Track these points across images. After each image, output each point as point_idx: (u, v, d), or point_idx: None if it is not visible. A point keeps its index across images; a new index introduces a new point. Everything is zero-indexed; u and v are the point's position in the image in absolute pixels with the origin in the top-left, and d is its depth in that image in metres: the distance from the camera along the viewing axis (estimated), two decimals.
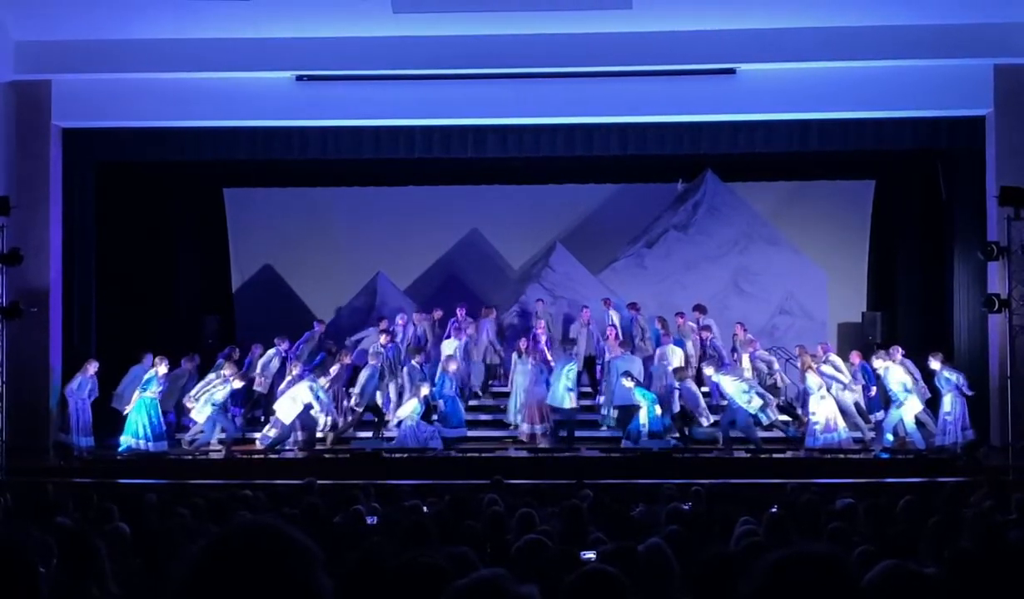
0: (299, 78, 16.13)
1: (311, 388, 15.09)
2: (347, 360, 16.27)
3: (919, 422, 15.13)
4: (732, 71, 15.88)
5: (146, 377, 15.23)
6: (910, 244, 18.63)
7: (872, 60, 15.57)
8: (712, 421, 15.55)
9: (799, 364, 15.30)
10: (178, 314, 18.77)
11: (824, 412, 14.72)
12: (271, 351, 16.60)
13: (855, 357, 15.68)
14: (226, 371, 15.49)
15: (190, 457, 15.28)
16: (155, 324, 17.92)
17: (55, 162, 16.38)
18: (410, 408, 15.13)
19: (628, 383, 15.02)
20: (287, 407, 15.13)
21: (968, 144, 16.21)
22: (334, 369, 15.97)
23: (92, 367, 15.46)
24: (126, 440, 15.06)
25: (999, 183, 14.88)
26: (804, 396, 15.32)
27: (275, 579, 1.82)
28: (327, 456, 15.33)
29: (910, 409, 14.90)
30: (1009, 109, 15.64)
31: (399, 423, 15.28)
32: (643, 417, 14.91)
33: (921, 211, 18.15)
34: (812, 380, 14.84)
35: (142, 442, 14.98)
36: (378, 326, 17.27)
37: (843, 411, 15.10)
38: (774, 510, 7.79)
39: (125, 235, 17.97)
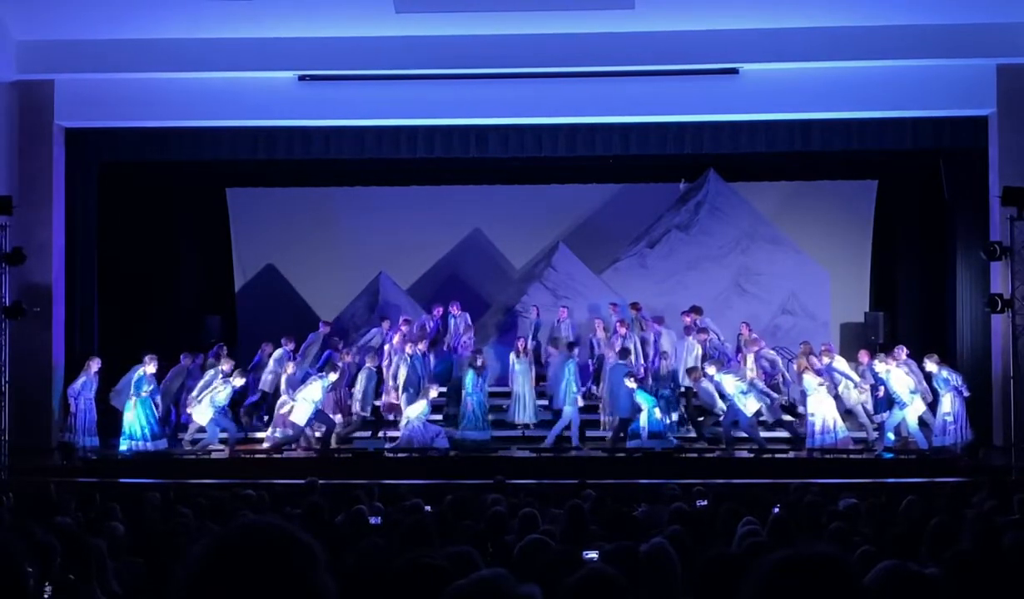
0: (301, 78, 16.14)
1: (323, 387, 15.09)
2: (349, 358, 16.27)
3: (922, 423, 15.12)
4: (735, 71, 15.87)
5: (135, 378, 15.20)
6: (913, 244, 18.61)
7: (875, 60, 15.56)
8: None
9: (796, 365, 15.29)
10: (180, 314, 18.76)
11: (822, 412, 14.73)
12: (279, 351, 16.41)
13: (863, 356, 15.64)
14: (224, 367, 15.49)
15: (193, 457, 15.29)
16: (157, 324, 17.93)
17: (58, 162, 16.39)
18: (419, 408, 15.11)
19: (631, 384, 15.02)
20: (302, 409, 15.04)
21: (971, 144, 16.20)
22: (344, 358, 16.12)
23: (95, 365, 15.46)
24: (126, 442, 15.09)
25: (1002, 183, 14.89)
26: (803, 396, 15.31)
27: (278, 578, 1.83)
28: (331, 456, 15.34)
29: (914, 410, 14.90)
30: (1012, 109, 15.62)
31: (406, 422, 15.23)
32: (643, 420, 14.92)
33: (924, 211, 18.13)
34: (809, 380, 14.84)
35: (141, 443, 15.04)
36: (381, 326, 17.32)
37: (849, 411, 15.13)
38: (776, 510, 7.80)
39: (128, 235, 17.98)
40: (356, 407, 15.79)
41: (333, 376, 15.38)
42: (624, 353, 15.67)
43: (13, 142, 16.18)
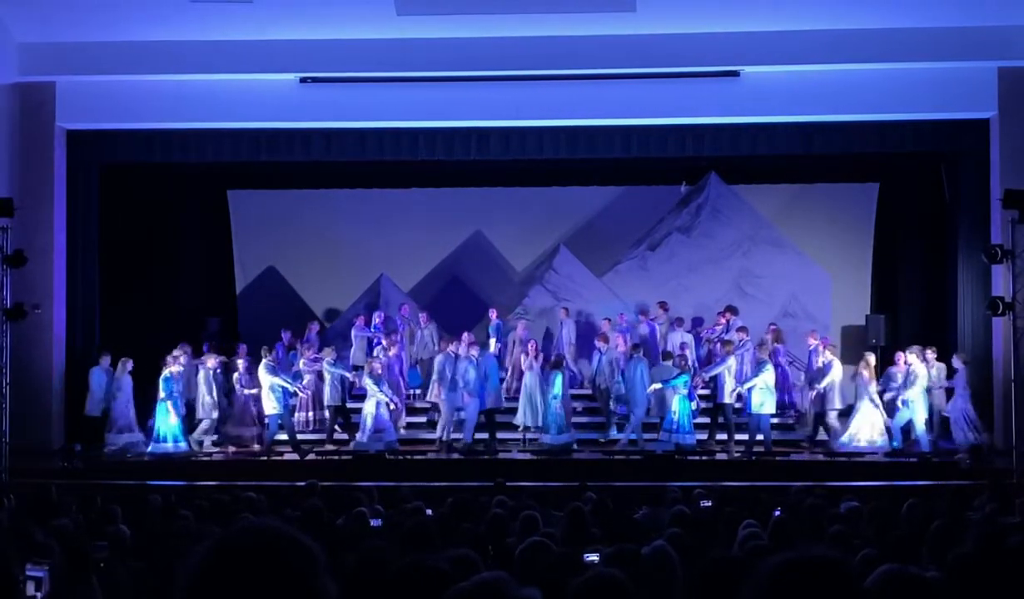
0: (303, 80, 16.15)
1: (267, 368, 15.29)
2: (310, 354, 16.28)
3: (928, 425, 15.12)
4: (736, 74, 15.88)
5: (161, 380, 15.24)
6: (914, 247, 18.61)
7: (876, 63, 15.57)
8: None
9: (864, 371, 15.18)
10: (181, 316, 18.77)
11: (869, 420, 14.80)
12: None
13: (900, 358, 15.59)
14: (210, 363, 15.75)
15: (193, 458, 15.30)
16: (158, 326, 17.93)
17: (59, 164, 16.41)
18: (372, 405, 15.10)
19: (656, 386, 15.15)
20: (267, 400, 15.34)
21: (972, 147, 16.20)
22: (302, 364, 16.16)
23: (128, 364, 15.53)
24: (159, 446, 15.12)
25: (1003, 186, 14.88)
26: (855, 394, 15.30)
27: (279, 581, 1.83)
28: (332, 458, 15.34)
29: (921, 412, 14.91)
30: (1013, 112, 15.63)
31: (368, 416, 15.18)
32: (675, 406, 14.90)
33: (925, 214, 18.13)
34: (872, 388, 14.95)
35: (171, 445, 15.09)
36: (356, 322, 17.53)
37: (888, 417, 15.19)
38: (778, 513, 7.79)
39: (129, 237, 17.99)
40: (326, 399, 15.85)
41: (270, 358, 15.57)
42: (667, 355, 15.74)
43: (14, 144, 16.19)
